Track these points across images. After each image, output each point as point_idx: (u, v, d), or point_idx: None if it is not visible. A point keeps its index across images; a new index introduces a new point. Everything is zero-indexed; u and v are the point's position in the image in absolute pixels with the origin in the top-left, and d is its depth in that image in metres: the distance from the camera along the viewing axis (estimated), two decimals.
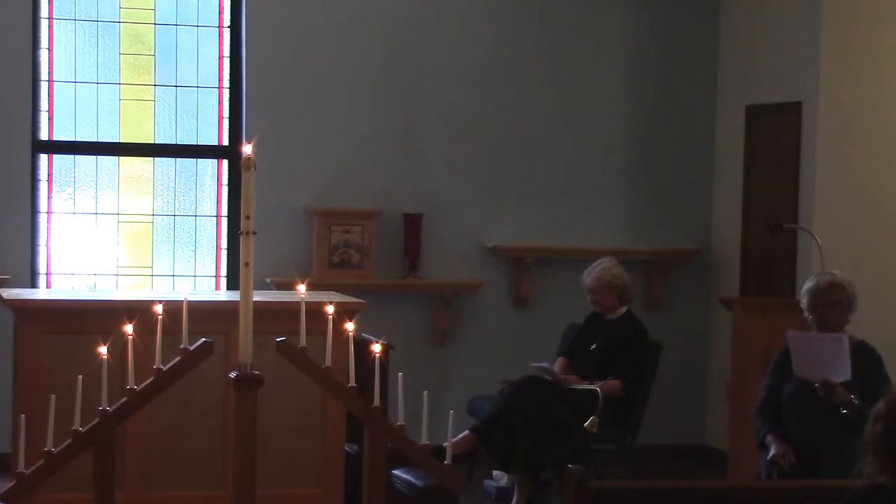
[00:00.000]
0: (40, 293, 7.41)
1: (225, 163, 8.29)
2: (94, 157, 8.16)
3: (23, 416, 4.92)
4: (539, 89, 8.56)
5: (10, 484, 4.75)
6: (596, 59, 8.65)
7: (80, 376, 4.78)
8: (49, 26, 8.03)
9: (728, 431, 7.47)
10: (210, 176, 8.31)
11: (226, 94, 8.27)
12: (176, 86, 8.25)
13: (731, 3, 8.65)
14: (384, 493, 4.99)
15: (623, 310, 7.39)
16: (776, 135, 8.14)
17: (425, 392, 4.97)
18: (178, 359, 4.85)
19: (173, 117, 8.27)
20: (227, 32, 8.27)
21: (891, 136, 7.87)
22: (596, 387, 6.85)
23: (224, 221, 8.29)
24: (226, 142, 8.28)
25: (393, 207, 8.30)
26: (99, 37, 8.13)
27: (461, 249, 8.47)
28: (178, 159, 8.29)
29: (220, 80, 8.27)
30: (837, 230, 7.70)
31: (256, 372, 4.73)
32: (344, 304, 5.96)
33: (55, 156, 8.11)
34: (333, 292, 6.87)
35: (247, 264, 4.67)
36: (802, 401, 5.81)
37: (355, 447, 6.35)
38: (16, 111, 7.91)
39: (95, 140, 8.15)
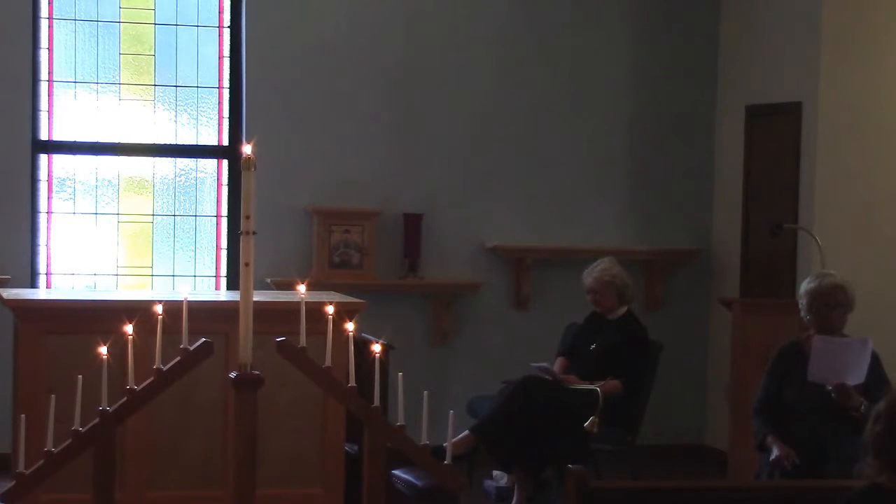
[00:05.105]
0: (40, 293, 7.41)
1: (225, 163, 8.29)
2: (94, 157, 8.16)
3: (23, 416, 4.92)
4: (539, 89, 8.56)
5: (10, 484, 4.75)
6: (596, 59, 8.65)
7: (80, 376, 4.77)
8: (49, 26, 8.03)
9: (728, 431, 7.47)
10: (210, 176, 8.32)
11: (226, 94, 8.27)
12: (176, 86, 8.25)
13: (731, 3, 8.65)
14: (384, 493, 4.98)
15: (623, 310, 7.39)
16: (776, 135, 8.14)
17: (425, 392, 4.97)
18: (178, 359, 4.84)
19: (173, 117, 8.28)
20: (227, 32, 8.27)
21: (891, 136, 7.87)
22: (596, 387, 6.84)
23: (224, 221, 8.29)
24: (226, 142, 8.28)
25: (393, 207, 8.31)
26: (99, 37, 8.13)
27: (461, 249, 8.47)
28: (178, 159, 8.30)
29: (220, 80, 8.27)
30: (837, 230, 7.70)
31: (256, 372, 4.73)
32: (344, 304, 5.96)
33: (55, 156, 8.12)
34: (333, 292, 6.87)
35: (247, 264, 4.67)
36: (809, 404, 5.79)
37: (355, 447, 6.35)
38: (16, 111, 7.91)
39: (95, 140, 8.15)
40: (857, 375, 5.70)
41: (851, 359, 5.73)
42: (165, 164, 8.29)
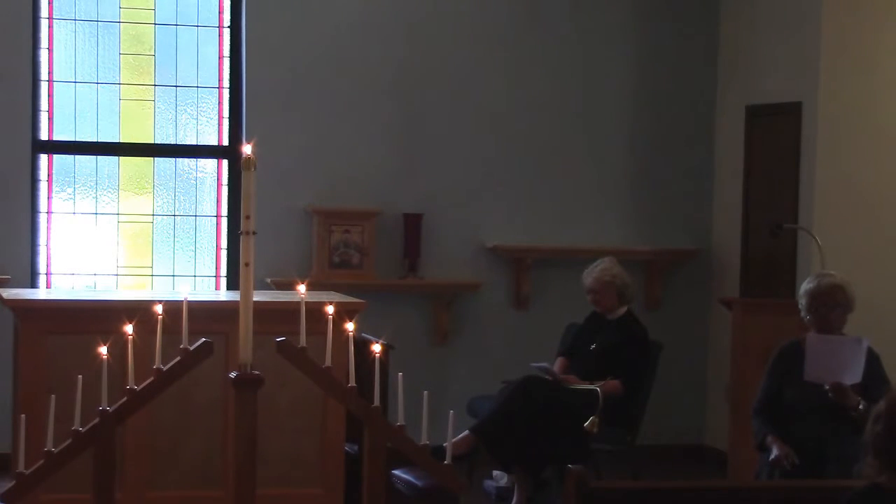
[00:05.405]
0: (40, 293, 7.41)
1: (225, 163, 8.29)
2: (94, 157, 8.16)
3: (23, 416, 4.92)
4: (539, 90, 8.56)
5: (10, 484, 4.75)
6: (596, 59, 8.64)
7: (80, 376, 4.77)
8: (49, 26, 8.03)
9: (728, 431, 7.47)
10: (210, 176, 8.32)
11: (226, 94, 8.27)
12: (176, 86, 8.25)
13: (731, 2, 8.65)
14: (384, 493, 4.99)
15: (623, 310, 7.39)
16: (776, 135, 8.14)
17: (425, 392, 4.97)
18: (178, 359, 4.85)
19: (173, 117, 8.28)
20: (227, 32, 8.27)
21: (891, 136, 7.87)
22: (596, 387, 6.85)
23: (224, 221, 8.29)
24: (226, 142, 8.28)
25: (393, 207, 8.30)
26: (99, 37, 8.13)
27: (461, 249, 8.47)
28: (178, 159, 8.30)
29: (220, 80, 8.27)
30: (837, 230, 7.70)
31: (256, 372, 4.73)
32: (344, 304, 5.96)
33: (55, 156, 8.12)
34: (333, 292, 6.87)
35: (247, 264, 4.67)
36: (809, 404, 5.79)
37: (355, 447, 6.35)
38: (16, 111, 7.91)
39: (95, 140, 8.15)
40: (853, 374, 5.70)
41: (847, 358, 5.73)
42: (165, 164, 8.29)
